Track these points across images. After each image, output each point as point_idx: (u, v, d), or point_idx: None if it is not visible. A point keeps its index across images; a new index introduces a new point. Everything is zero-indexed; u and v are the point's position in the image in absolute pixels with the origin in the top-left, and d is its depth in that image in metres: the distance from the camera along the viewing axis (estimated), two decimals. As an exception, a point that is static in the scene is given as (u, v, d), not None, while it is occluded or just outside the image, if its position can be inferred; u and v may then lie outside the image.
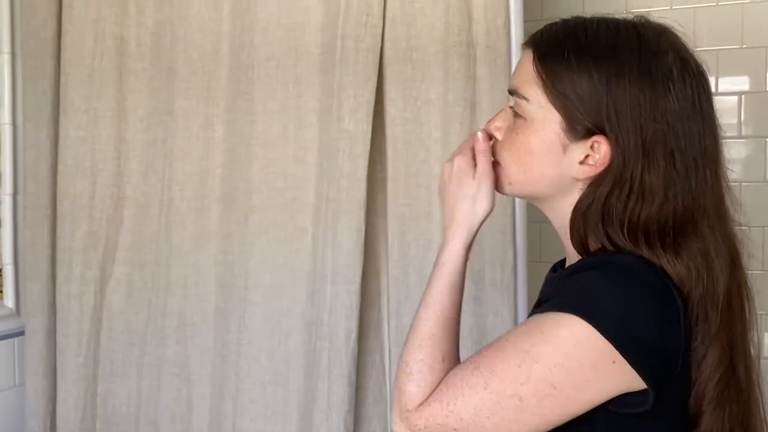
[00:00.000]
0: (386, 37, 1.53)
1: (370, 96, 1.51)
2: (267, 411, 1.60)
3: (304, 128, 1.60)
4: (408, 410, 0.88)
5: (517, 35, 1.50)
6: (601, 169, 0.88)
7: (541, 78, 0.89)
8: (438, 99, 1.52)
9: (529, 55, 0.92)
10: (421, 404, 0.87)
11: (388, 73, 1.53)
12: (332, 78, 1.54)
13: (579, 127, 0.88)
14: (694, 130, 0.87)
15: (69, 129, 1.71)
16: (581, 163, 0.89)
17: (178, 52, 1.67)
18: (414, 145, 1.53)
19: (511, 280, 1.50)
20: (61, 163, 1.72)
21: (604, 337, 0.79)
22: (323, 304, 1.53)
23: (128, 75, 1.72)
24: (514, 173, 0.94)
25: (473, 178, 0.97)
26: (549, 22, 0.94)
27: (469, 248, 0.98)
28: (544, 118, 0.90)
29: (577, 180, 0.90)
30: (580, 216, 0.90)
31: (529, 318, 0.86)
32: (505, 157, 0.95)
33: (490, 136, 0.99)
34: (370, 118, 1.52)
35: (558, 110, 0.88)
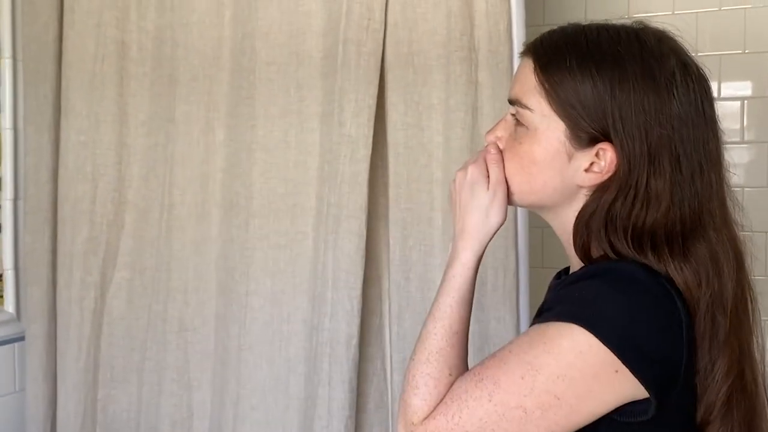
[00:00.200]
0: (388, 42, 1.53)
1: (372, 101, 1.51)
2: (268, 417, 1.60)
3: (305, 133, 1.59)
4: (413, 424, 0.87)
5: (519, 40, 1.50)
6: (607, 176, 0.87)
7: (544, 87, 0.89)
8: (440, 104, 1.51)
9: (530, 63, 0.91)
10: (426, 418, 0.87)
11: (390, 77, 1.53)
12: (333, 83, 1.54)
13: (583, 135, 0.87)
14: (699, 134, 0.86)
15: (70, 133, 1.71)
16: (586, 170, 0.88)
17: (179, 57, 1.67)
18: (415, 150, 1.52)
19: (513, 286, 1.49)
20: (62, 167, 1.71)
21: (607, 346, 0.78)
22: (324, 309, 1.52)
23: (129, 79, 1.71)
24: (518, 183, 0.94)
25: (487, 188, 0.96)
26: (551, 27, 0.94)
27: (479, 259, 0.97)
28: (548, 127, 0.89)
29: (582, 187, 0.90)
30: (583, 223, 0.89)
31: (532, 327, 0.85)
32: (508, 168, 0.94)
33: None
34: (372, 123, 1.51)
35: (562, 118, 0.88)
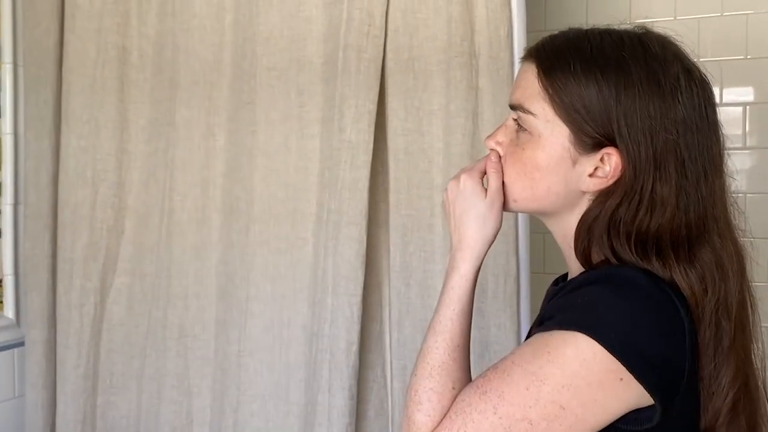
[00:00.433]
0: (388, 48, 1.53)
1: (372, 106, 1.51)
2: (268, 424, 1.59)
3: (305, 138, 1.59)
4: None
5: (519, 46, 1.50)
6: (611, 181, 0.87)
7: (547, 91, 0.88)
8: (440, 109, 1.51)
9: (532, 68, 0.90)
10: None
11: (390, 83, 1.53)
12: (334, 88, 1.54)
13: (588, 140, 0.86)
14: (703, 139, 0.86)
15: (70, 139, 1.71)
16: (590, 175, 0.88)
17: (180, 62, 1.67)
18: (416, 156, 1.52)
19: (514, 292, 1.48)
20: (62, 172, 1.71)
21: (611, 353, 0.77)
22: (324, 315, 1.52)
23: (130, 85, 1.72)
24: (520, 190, 0.93)
25: (484, 198, 0.95)
26: (552, 32, 0.93)
27: (478, 269, 0.96)
28: (552, 132, 0.88)
29: (586, 193, 0.89)
30: (585, 227, 0.89)
31: (534, 336, 0.84)
32: (510, 174, 0.93)
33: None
34: (372, 129, 1.51)
35: (566, 123, 0.87)
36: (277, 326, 1.60)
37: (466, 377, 0.91)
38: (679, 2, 2.42)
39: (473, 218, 0.95)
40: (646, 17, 2.34)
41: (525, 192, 0.92)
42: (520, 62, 0.95)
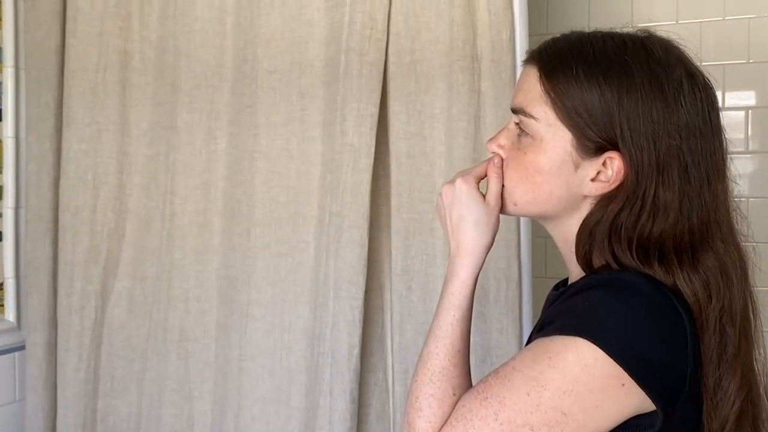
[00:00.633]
0: (390, 51, 1.52)
1: (374, 110, 1.51)
2: (269, 428, 1.59)
3: (307, 142, 1.59)
4: None
5: (522, 49, 1.49)
6: (614, 185, 0.86)
7: (549, 95, 0.87)
8: (442, 113, 1.51)
9: (534, 71, 0.90)
10: None
11: (392, 86, 1.52)
12: (336, 92, 1.54)
13: (590, 144, 0.86)
14: (706, 144, 0.86)
15: (72, 142, 1.70)
16: (593, 180, 0.87)
17: (181, 66, 1.67)
18: (418, 159, 1.52)
19: (516, 296, 1.48)
20: (64, 176, 1.71)
21: (612, 358, 0.77)
22: (326, 319, 1.51)
23: (131, 89, 1.71)
24: (521, 193, 0.92)
25: (482, 203, 0.95)
26: (554, 36, 0.92)
27: (478, 275, 0.96)
28: (554, 136, 0.88)
29: (588, 197, 0.89)
30: (587, 232, 0.88)
31: (535, 341, 0.83)
32: (512, 177, 0.93)
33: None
34: (374, 132, 1.51)
35: (568, 127, 0.87)
36: (278, 330, 1.59)
37: (466, 383, 0.91)
38: (681, 6, 2.42)
39: (471, 224, 0.95)
40: (648, 21, 2.34)
41: (526, 196, 0.92)
42: (522, 65, 0.95)
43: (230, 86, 1.64)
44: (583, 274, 0.90)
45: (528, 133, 0.90)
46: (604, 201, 0.87)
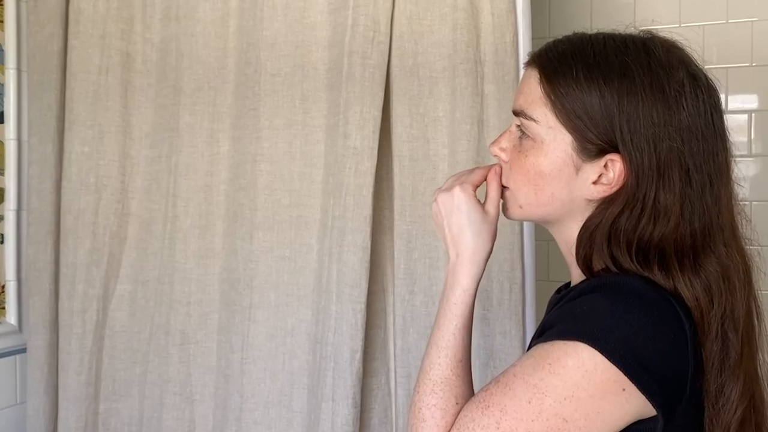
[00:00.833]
0: (393, 54, 1.52)
1: (377, 113, 1.50)
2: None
3: (310, 145, 1.59)
4: None
5: (525, 52, 1.49)
6: (615, 188, 0.86)
7: (549, 98, 0.87)
8: (445, 116, 1.50)
9: (535, 74, 0.90)
10: None
11: (395, 89, 1.52)
12: (339, 94, 1.53)
13: (591, 147, 0.85)
14: (708, 147, 0.85)
15: (74, 144, 1.70)
16: (594, 183, 0.87)
17: (183, 68, 1.67)
18: (421, 162, 1.51)
19: (519, 300, 1.47)
20: (66, 178, 1.70)
21: (612, 363, 0.76)
22: (328, 322, 1.51)
23: (134, 91, 1.71)
24: (525, 196, 0.92)
25: (482, 212, 0.95)
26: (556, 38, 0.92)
27: (479, 283, 0.96)
28: (554, 138, 0.87)
29: (590, 201, 0.88)
30: (587, 235, 0.88)
31: (535, 347, 0.83)
32: (515, 180, 0.93)
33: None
34: (377, 135, 1.50)
35: (569, 130, 0.86)
36: (280, 334, 1.59)
37: (469, 391, 0.91)
38: (683, 9, 2.41)
39: (471, 233, 0.95)
40: (651, 24, 2.33)
41: (529, 198, 0.92)
42: (524, 67, 0.95)
43: (233, 89, 1.63)
44: (584, 277, 0.89)
45: (529, 136, 0.90)
46: (605, 204, 0.87)
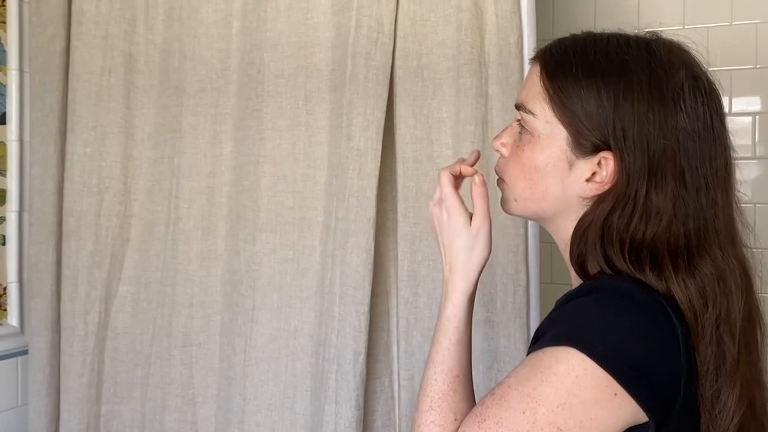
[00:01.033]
0: (397, 55, 1.51)
1: (381, 114, 1.50)
2: (273, 434, 1.57)
3: (313, 146, 1.58)
4: None
5: (529, 54, 1.48)
6: (607, 186, 0.85)
7: (548, 93, 0.88)
8: (449, 117, 1.50)
9: (537, 69, 0.91)
10: None
11: (399, 90, 1.51)
12: (342, 96, 1.53)
13: (586, 143, 0.86)
14: (705, 149, 0.84)
15: (76, 145, 1.69)
16: (588, 180, 0.87)
17: (186, 69, 1.66)
18: (424, 164, 1.51)
19: (523, 302, 1.47)
20: (68, 179, 1.70)
21: (602, 368, 0.75)
22: (331, 324, 1.50)
23: (136, 92, 1.71)
24: (520, 189, 0.92)
25: (470, 226, 0.96)
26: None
27: (472, 296, 0.97)
28: (551, 133, 0.88)
29: (584, 198, 0.88)
30: (579, 233, 0.88)
31: (529, 356, 0.82)
32: (511, 174, 0.93)
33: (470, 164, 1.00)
34: (380, 137, 1.50)
35: (564, 126, 0.87)
36: (283, 336, 1.58)
37: (468, 406, 0.91)
38: (688, 11, 2.41)
39: (461, 248, 0.96)
40: (655, 25, 2.33)
41: (524, 192, 0.92)
42: (529, 63, 0.96)
43: (236, 90, 1.63)
44: (582, 279, 0.89)
45: (528, 130, 0.91)
46: (597, 202, 0.86)
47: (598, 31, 0.91)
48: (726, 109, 0.91)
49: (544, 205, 0.91)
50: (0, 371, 1.69)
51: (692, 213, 0.83)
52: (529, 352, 0.84)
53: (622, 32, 0.90)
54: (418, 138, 1.51)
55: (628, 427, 0.77)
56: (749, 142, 2.38)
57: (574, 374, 0.76)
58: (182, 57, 1.67)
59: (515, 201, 0.94)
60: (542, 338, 0.82)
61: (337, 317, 1.49)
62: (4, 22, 1.73)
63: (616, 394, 0.75)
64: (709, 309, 0.81)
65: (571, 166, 0.87)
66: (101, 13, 1.69)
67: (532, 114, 0.89)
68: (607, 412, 0.76)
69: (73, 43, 1.70)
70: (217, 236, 1.63)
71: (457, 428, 0.86)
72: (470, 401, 0.92)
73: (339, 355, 1.48)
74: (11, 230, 1.73)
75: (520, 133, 0.92)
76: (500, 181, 0.97)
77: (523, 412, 0.77)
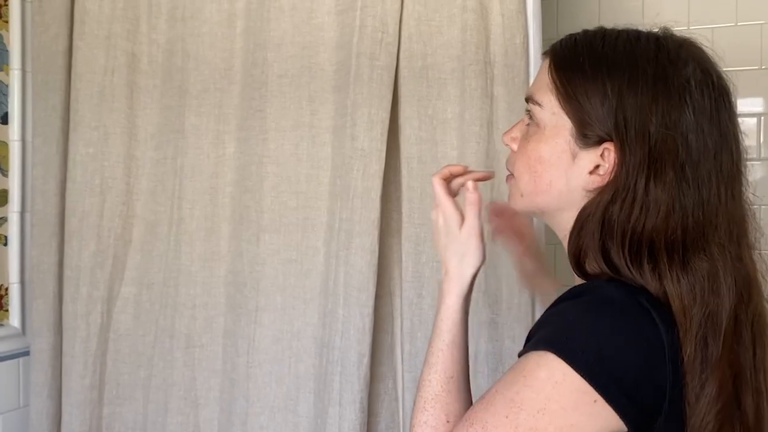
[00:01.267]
0: (402, 56, 1.51)
1: (385, 114, 1.49)
2: (276, 436, 1.57)
3: (317, 146, 1.57)
4: None
5: (535, 54, 1.48)
6: (608, 178, 0.85)
7: (555, 84, 0.88)
8: (454, 118, 1.49)
9: (547, 62, 0.91)
10: None
11: (404, 91, 1.51)
12: (346, 96, 1.52)
13: (590, 134, 0.85)
14: (710, 144, 0.83)
15: (78, 146, 1.69)
16: (591, 172, 0.86)
17: (189, 69, 1.66)
18: (429, 165, 1.50)
19: (528, 304, 1.46)
20: (70, 180, 1.69)
21: (580, 374, 0.75)
22: (335, 326, 1.49)
23: (139, 92, 1.70)
24: (525, 183, 0.92)
25: (459, 237, 0.98)
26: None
27: (466, 300, 0.98)
28: (556, 124, 0.88)
29: (587, 191, 0.87)
30: (579, 226, 0.87)
31: (517, 360, 0.82)
32: (518, 167, 0.94)
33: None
34: (385, 137, 1.49)
35: (570, 116, 0.87)
36: (286, 337, 1.57)
37: (462, 408, 0.92)
38: (692, 12, 2.40)
39: (453, 253, 0.99)
40: (659, 26, 2.32)
41: (529, 186, 0.92)
42: (541, 59, 0.97)
43: (239, 90, 1.62)
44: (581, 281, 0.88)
45: (535, 122, 0.91)
46: (598, 194, 0.86)
47: (610, 27, 0.91)
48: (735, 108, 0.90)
49: (548, 198, 0.91)
50: (1, 372, 1.68)
51: (691, 207, 0.82)
52: (519, 355, 0.83)
53: (634, 27, 0.90)
54: (423, 139, 1.50)
55: None
56: (754, 144, 2.37)
57: (553, 380, 0.76)
58: (185, 57, 1.66)
59: (521, 196, 0.94)
60: (528, 343, 0.82)
61: (341, 319, 1.48)
62: (7, 22, 1.72)
63: (595, 401, 0.75)
64: (697, 305, 0.80)
65: (574, 157, 0.87)
66: (104, 13, 1.69)
67: (539, 105, 0.90)
68: (587, 419, 0.75)
69: (76, 42, 1.70)
70: (220, 237, 1.63)
71: (450, 430, 0.88)
72: (465, 402, 0.93)
73: (343, 357, 1.47)
74: (13, 231, 1.72)
75: (528, 125, 0.93)
76: (509, 177, 0.97)
77: (506, 416, 0.77)
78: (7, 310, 1.72)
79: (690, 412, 0.79)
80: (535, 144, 0.90)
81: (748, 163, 0.90)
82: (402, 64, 1.51)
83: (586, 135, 0.85)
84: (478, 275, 1.01)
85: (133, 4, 1.69)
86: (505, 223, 1.17)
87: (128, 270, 1.69)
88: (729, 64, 2.55)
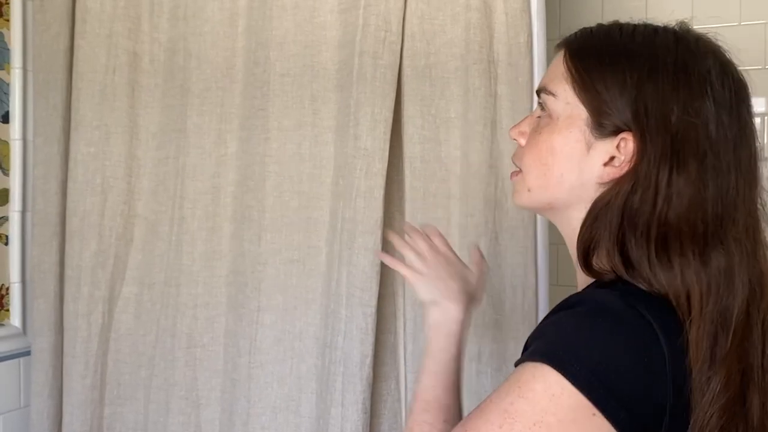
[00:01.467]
0: (405, 54, 1.50)
1: (388, 114, 1.48)
2: (278, 437, 1.56)
3: (319, 146, 1.57)
4: None
5: (539, 53, 1.47)
6: (625, 169, 0.82)
7: (571, 72, 0.86)
8: (457, 117, 1.48)
9: (561, 53, 0.89)
10: None
11: (407, 90, 1.50)
12: (349, 95, 1.51)
13: (607, 123, 0.83)
14: (730, 136, 0.81)
15: (80, 145, 1.68)
16: (606, 164, 0.84)
17: (191, 68, 1.65)
18: (432, 164, 1.49)
19: (532, 305, 1.45)
20: (71, 179, 1.68)
21: (577, 388, 0.72)
22: (337, 326, 1.48)
23: (141, 91, 1.69)
24: (535, 177, 0.89)
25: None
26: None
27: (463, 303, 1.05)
28: (570, 114, 0.86)
29: (599, 185, 0.85)
30: (593, 216, 0.84)
31: (514, 370, 0.80)
32: (527, 161, 0.91)
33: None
34: (388, 137, 1.48)
35: (585, 105, 0.84)
36: (288, 337, 1.56)
37: (449, 414, 0.95)
38: (696, 11, 2.39)
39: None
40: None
41: (539, 180, 0.89)
42: (554, 52, 0.94)
43: (241, 89, 1.61)
44: (588, 283, 0.86)
45: (547, 114, 0.89)
46: (616, 185, 0.83)
47: (624, 21, 0.89)
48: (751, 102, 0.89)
49: (557, 193, 0.88)
50: (2, 372, 1.67)
51: (711, 198, 0.80)
52: (516, 364, 0.82)
53: (649, 22, 0.89)
54: (426, 138, 1.49)
55: None
56: (758, 144, 2.36)
57: (550, 392, 0.73)
58: (187, 56, 1.66)
59: (528, 191, 0.91)
60: (525, 352, 0.79)
61: (343, 319, 1.47)
62: (8, 21, 1.72)
63: (594, 415, 0.72)
64: (712, 300, 0.78)
65: (589, 148, 0.84)
66: (106, 12, 1.68)
67: (553, 95, 0.87)
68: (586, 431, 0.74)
69: (77, 41, 1.69)
70: (222, 237, 1.62)
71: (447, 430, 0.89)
72: (455, 411, 0.96)
73: (345, 358, 1.47)
74: (14, 230, 1.72)
75: (539, 118, 0.91)
76: (514, 173, 0.95)
77: (500, 427, 0.75)
78: (7, 310, 1.71)
79: (694, 408, 0.77)
80: (547, 135, 0.88)
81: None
82: (405, 62, 1.50)
83: (602, 124, 0.83)
84: None
85: (135, 2, 1.69)
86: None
87: (129, 269, 1.69)
88: (733, 63, 2.51)
